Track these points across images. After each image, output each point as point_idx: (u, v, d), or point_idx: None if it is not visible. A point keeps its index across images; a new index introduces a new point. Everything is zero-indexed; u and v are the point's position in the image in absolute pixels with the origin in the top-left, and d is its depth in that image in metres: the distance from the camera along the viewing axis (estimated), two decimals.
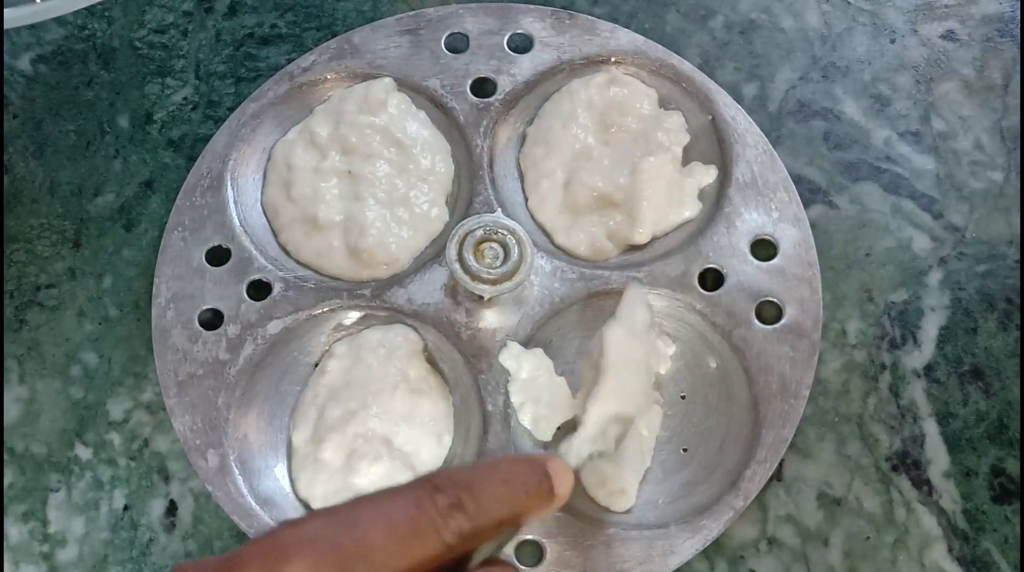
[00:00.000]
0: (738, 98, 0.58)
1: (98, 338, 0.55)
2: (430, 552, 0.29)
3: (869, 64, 0.61)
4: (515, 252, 0.50)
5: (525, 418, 0.51)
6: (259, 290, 0.54)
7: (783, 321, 0.52)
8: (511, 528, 0.33)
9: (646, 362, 0.46)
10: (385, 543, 0.29)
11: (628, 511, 0.49)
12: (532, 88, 0.58)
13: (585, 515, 0.49)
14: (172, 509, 0.51)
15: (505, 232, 0.50)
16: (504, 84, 0.58)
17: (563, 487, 0.35)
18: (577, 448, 0.42)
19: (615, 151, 0.57)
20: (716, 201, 0.55)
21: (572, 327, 0.53)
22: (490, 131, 0.57)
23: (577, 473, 0.39)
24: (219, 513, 0.50)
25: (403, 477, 0.49)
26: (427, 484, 0.31)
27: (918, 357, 0.53)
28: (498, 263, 0.50)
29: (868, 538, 0.50)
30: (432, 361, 0.53)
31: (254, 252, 0.54)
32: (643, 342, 0.46)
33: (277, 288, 0.54)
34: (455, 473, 0.32)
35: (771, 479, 0.50)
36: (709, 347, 0.53)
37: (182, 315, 0.53)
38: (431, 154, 0.56)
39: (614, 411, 0.43)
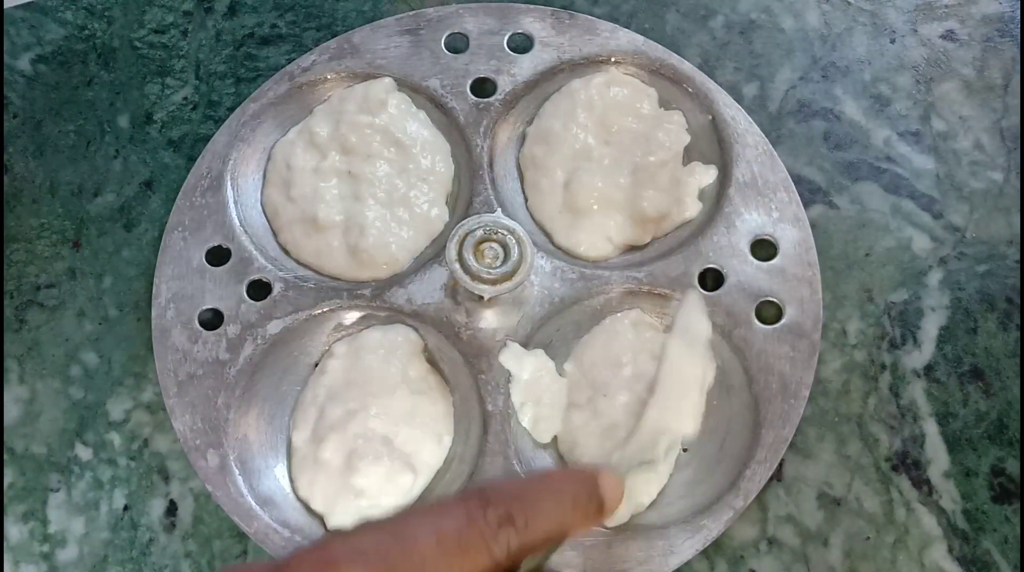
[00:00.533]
0: (738, 98, 0.58)
1: (98, 338, 0.55)
2: (479, 566, 0.29)
3: (869, 64, 0.61)
4: (515, 252, 0.50)
5: (525, 419, 0.51)
6: (259, 290, 0.54)
7: (783, 321, 0.52)
8: (559, 541, 0.33)
9: (702, 378, 0.46)
10: (435, 557, 0.29)
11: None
12: (532, 88, 0.58)
13: None
14: (172, 509, 0.51)
15: (505, 232, 0.50)
16: (504, 84, 0.58)
17: (613, 502, 0.35)
18: (629, 456, 0.41)
19: (615, 151, 0.57)
20: (716, 201, 0.55)
21: (572, 327, 0.53)
22: (490, 131, 0.57)
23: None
24: (219, 513, 0.50)
25: (403, 478, 0.49)
26: (478, 498, 0.31)
27: (918, 357, 0.53)
28: (498, 263, 0.50)
29: (868, 538, 0.50)
30: (432, 361, 0.53)
31: (254, 252, 0.54)
32: (700, 356, 0.46)
33: (277, 288, 0.54)
34: (506, 486, 0.32)
35: (771, 479, 0.50)
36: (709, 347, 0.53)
37: (182, 315, 0.53)
38: (431, 154, 0.56)
39: (666, 421, 0.43)
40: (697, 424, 0.47)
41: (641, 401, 0.50)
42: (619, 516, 0.49)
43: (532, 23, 0.60)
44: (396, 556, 0.28)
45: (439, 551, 0.29)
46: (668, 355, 0.46)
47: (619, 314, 0.53)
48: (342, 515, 0.49)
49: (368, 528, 0.29)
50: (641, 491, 0.49)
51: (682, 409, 0.45)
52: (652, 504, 0.49)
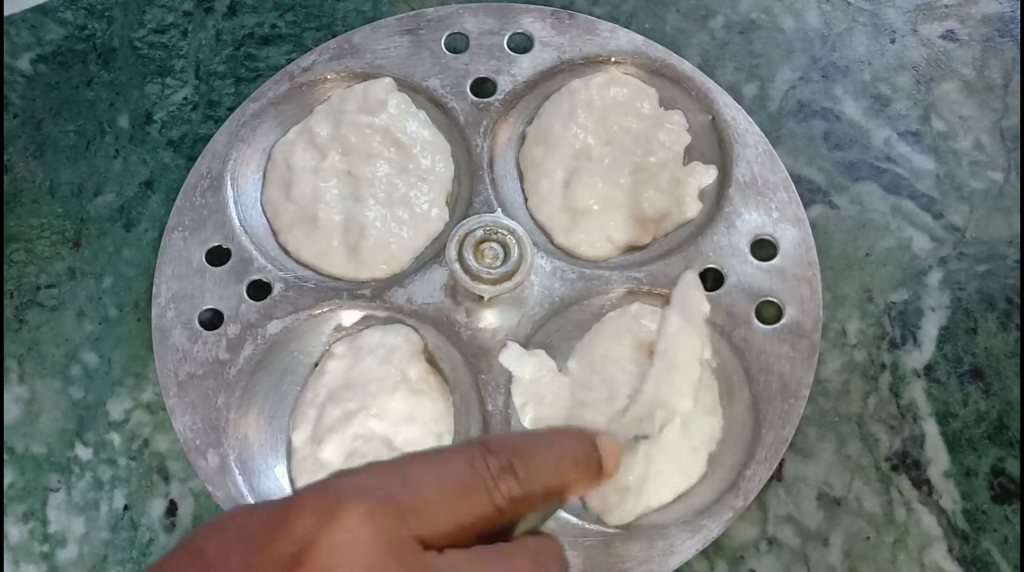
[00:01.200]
0: (738, 98, 0.58)
1: (98, 338, 0.55)
2: (480, 512, 0.30)
3: (869, 64, 0.61)
4: (515, 252, 0.49)
5: (526, 419, 0.51)
6: (259, 290, 0.54)
7: (783, 321, 0.52)
8: (557, 500, 0.33)
9: (699, 354, 0.46)
10: (438, 499, 0.29)
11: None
12: (532, 88, 0.58)
13: (585, 515, 0.49)
14: (172, 509, 0.51)
15: (505, 232, 0.50)
16: (504, 84, 0.58)
17: (611, 463, 0.35)
18: (625, 427, 0.41)
19: (615, 151, 0.57)
20: (716, 201, 0.55)
21: (572, 327, 0.53)
22: (490, 131, 0.57)
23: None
24: (219, 513, 0.50)
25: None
26: (480, 446, 0.31)
27: (918, 357, 0.53)
28: (498, 263, 0.50)
29: (868, 538, 0.50)
30: (432, 361, 0.53)
31: (254, 252, 0.54)
32: (698, 333, 0.46)
33: (277, 288, 0.54)
34: (507, 438, 0.33)
35: (771, 479, 0.50)
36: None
37: (182, 315, 0.53)
38: (431, 154, 0.56)
39: (663, 395, 0.43)
40: (694, 400, 0.47)
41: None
42: (626, 516, 0.49)
43: (532, 23, 0.60)
44: (400, 495, 0.28)
45: (442, 493, 0.29)
46: (666, 330, 0.46)
47: (619, 310, 0.53)
48: None
49: (373, 468, 0.29)
50: (652, 495, 0.49)
51: (679, 384, 0.45)
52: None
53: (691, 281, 0.49)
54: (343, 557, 0.27)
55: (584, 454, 0.34)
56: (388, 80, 0.58)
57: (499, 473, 0.30)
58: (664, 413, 0.44)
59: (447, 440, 0.51)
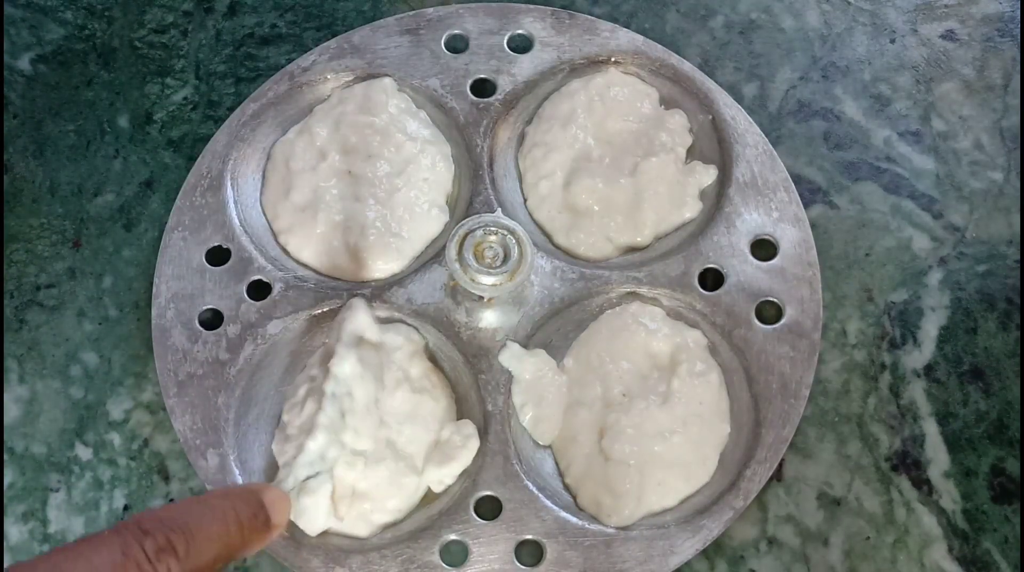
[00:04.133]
0: (738, 98, 0.58)
1: (98, 338, 0.55)
2: None
3: (869, 64, 0.61)
4: (515, 252, 0.50)
5: (525, 419, 0.51)
6: (259, 290, 0.54)
7: (783, 321, 0.52)
8: (226, 562, 0.32)
9: (373, 395, 0.47)
10: None
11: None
12: (532, 88, 0.58)
13: (585, 515, 0.49)
14: None
15: (505, 232, 0.50)
16: (504, 84, 0.58)
17: (280, 516, 0.34)
18: (295, 474, 0.42)
19: (615, 151, 0.57)
20: (716, 201, 0.55)
21: (572, 327, 0.53)
22: (490, 131, 0.57)
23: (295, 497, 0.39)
24: None
25: (407, 480, 0.49)
26: (133, 528, 0.29)
27: (918, 357, 0.53)
28: (498, 263, 0.50)
29: (868, 538, 0.50)
30: (433, 360, 0.53)
31: (254, 252, 0.54)
32: (371, 369, 0.47)
33: (277, 288, 0.54)
34: (163, 513, 0.30)
35: (771, 479, 0.50)
36: (709, 347, 0.52)
37: (182, 315, 0.53)
38: (431, 154, 0.56)
39: (340, 437, 0.44)
40: (372, 439, 0.48)
41: (643, 396, 0.50)
42: (626, 519, 0.49)
43: (532, 23, 0.60)
44: None
45: None
46: (338, 373, 0.46)
47: (618, 308, 0.53)
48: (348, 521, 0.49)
49: (19, 568, 0.27)
50: (655, 501, 0.49)
51: (355, 426, 0.46)
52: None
53: (356, 306, 0.49)
54: None
55: (249, 514, 0.33)
56: (388, 80, 0.58)
57: (156, 555, 0.29)
58: (336, 450, 0.45)
59: (462, 430, 0.51)
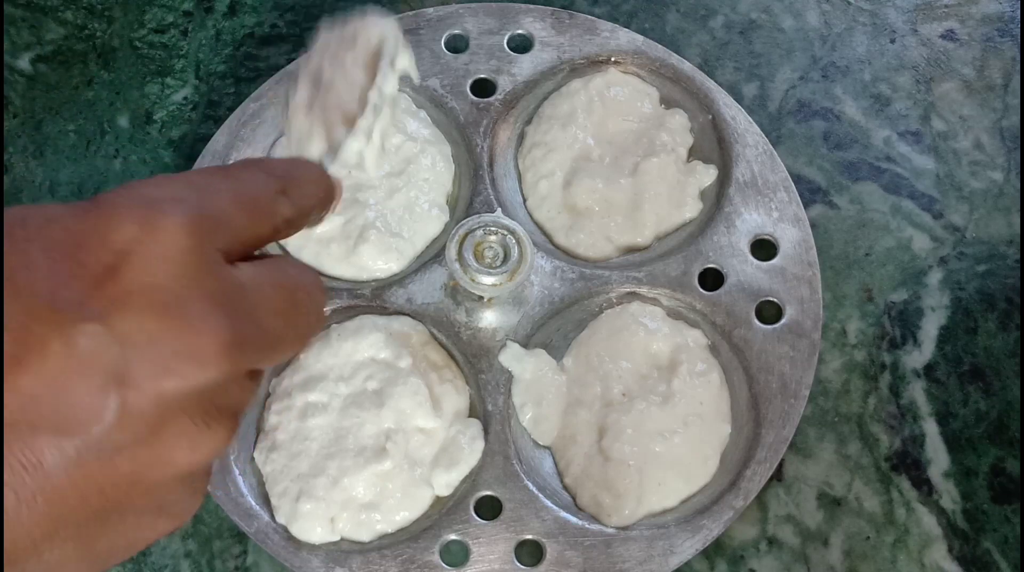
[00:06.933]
0: (738, 98, 0.58)
1: None
2: (263, 231, 0.30)
3: (869, 64, 0.61)
4: (515, 252, 0.50)
5: (525, 418, 0.51)
6: None
7: (783, 321, 0.52)
8: (310, 222, 0.33)
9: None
10: (236, 214, 0.28)
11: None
12: (532, 88, 0.58)
13: (585, 515, 0.49)
14: None
15: (505, 232, 0.50)
16: (504, 84, 0.58)
17: (338, 191, 0.35)
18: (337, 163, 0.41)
19: (615, 151, 0.57)
20: (716, 201, 0.55)
21: (572, 327, 0.53)
22: (490, 131, 0.57)
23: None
24: (219, 513, 0.50)
25: (421, 492, 0.49)
26: (260, 168, 0.31)
27: (918, 357, 0.53)
28: (498, 263, 0.50)
29: (868, 538, 0.50)
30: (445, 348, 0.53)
31: (254, 252, 0.54)
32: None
33: None
34: (274, 163, 0.32)
35: (771, 479, 0.50)
36: (709, 347, 0.52)
37: None
38: (431, 154, 0.56)
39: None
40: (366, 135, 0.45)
41: (643, 396, 0.50)
42: (626, 519, 0.49)
43: (532, 23, 0.60)
44: (210, 209, 0.27)
45: (239, 209, 0.29)
46: (385, 91, 0.44)
47: (618, 308, 0.53)
48: (348, 523, 0.49)
49: (172, 179, 0.28)
50: (655, 501, 0.49)
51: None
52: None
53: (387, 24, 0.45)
54: (161, 269, 0.25)
55: (328, 184, 0.34)
56: None
57: (276, 195, 0.30)
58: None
59: (469, 430, 0.51)
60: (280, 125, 0.48)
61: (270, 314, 0.28)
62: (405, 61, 0.45)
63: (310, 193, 0.32)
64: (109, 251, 0.25)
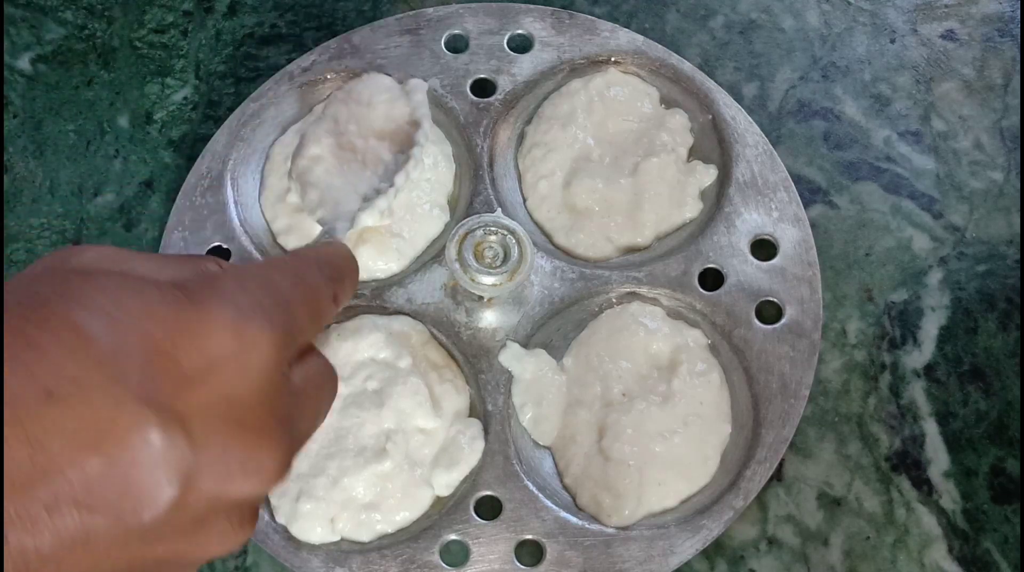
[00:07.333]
0: (738, 98, 0.58)
1: None
2: (319, 331, 0.32)
3: (869, 64, 0.61)
4: (515, 252, 0.50)
5: (526, 418, 0.51)
6: None
7: (783, 321, 0.52)
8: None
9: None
10: (308, 324, 0.30)
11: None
12: (532, 88, 0.58)
13: (585, 515, 0.49)
14: None
15: (505, 232, 0.50)
16: (504, 84, 0.58)
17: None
18: (358, 221, 0.43)
19: (615, 151, 0.57)
20: (716, 201, 0.55)
21: (572, 327, 0.53)
22: (490, 131, 0.57)
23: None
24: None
25: (421, 492, 0.49)
26: (318, 266, 0.33)
27: (918, 357, 0.53)
28: (498, 263, 0.50)
29: (868, 538, 0.50)
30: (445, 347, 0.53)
31: (254, 252, 0.54)
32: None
33: None
34: (325, 258, 0.34)
35: (771, 479, 0.50)
36: (709, 347, 0.52)
37: None
38: (433, 153, 0.56)
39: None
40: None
41: (643, 396, 0.50)
42: (626, 520, 0.49)
43: (532, 23, 0.60)
44: (286, 321, 0.29)
45: (307, 315, 0.30)
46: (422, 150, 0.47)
47: (618, 308, 0.53)
48: (348, 523, 0.49)
49: (249, 276, 0.29)
50: (655, 502, 0.49)
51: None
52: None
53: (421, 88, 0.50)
54: (244, 384, 0.26)
55: (356, 266, 0.36)
56: (389, 79, 0.58)
57: (331, 295, 0.32)
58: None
59: (469, 430, 0.51)
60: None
61: (310, 417, 0.30)
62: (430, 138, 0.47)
63: (351, 286, 0.34)
64: (203, 357, 0.26)
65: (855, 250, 0.56)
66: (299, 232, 0.55)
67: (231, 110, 0.59)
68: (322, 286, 0.32)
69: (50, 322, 0.24)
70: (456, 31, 0.60)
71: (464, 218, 0.51)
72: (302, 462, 0.49)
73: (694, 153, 0.57)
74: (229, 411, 0.26)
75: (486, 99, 0.58)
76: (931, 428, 0.52)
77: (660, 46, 0.59)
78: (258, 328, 0.27)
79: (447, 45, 0.59)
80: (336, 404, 0.50)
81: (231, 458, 0.26)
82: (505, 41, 0.59)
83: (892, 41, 0.62)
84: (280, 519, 0.49)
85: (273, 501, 0.49)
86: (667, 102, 0.58)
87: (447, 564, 0.48)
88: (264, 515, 0.49)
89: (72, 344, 0.24)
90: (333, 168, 0.48)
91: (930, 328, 0.54)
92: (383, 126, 0.49)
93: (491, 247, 0.50)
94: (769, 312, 0.53)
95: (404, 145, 0.48)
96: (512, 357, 0.51)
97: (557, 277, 0.54)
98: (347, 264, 0.35)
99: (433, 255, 0.54)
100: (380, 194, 0.45)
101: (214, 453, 0.25)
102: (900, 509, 0.50)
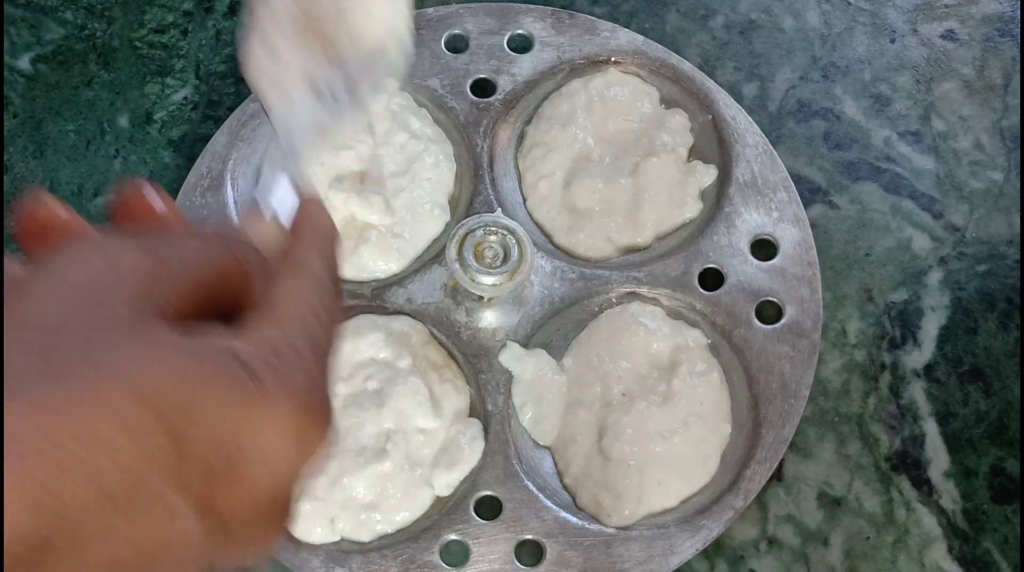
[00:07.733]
0: (738, 98, 0.58)
1: None
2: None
3: (869, 64, 0.61)
4: (515, 252, 0.50)
5: (526, 418, 0.51)
6: None
7: (783, 321, 0.52)
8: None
9: None
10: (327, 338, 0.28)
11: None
12: (532, 88, 0.58)
13: (585, 515, 0.49)
14: None
15: (505, 232, 0.50)
16: (504, 84, 0.58)
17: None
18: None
19: (615, 151, 0.57)
20: (716, 201, 0.55)
21: (572, 327, 0.53)
22: (490, 131, 0.57)
23: None
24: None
25: (421, 492, 0.49)
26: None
27: (918, 357, 0.53)
28: (498, 263, 0.50)
29: (868, 538, 0.50)
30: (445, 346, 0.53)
31: None
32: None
33: None
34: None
35: (771, 479, 0.50)
36: (709, 347, 0.52)
37: None
38: (434, 152, 0.56)
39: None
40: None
41: (643, 396, 0.50)
42: (626, 519, 0.49)
43: (532, 23, 0.60)
44: (326, 397, 0.27)
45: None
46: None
47: (618, 308, 0.53)
48: (348, 523, 0.49)
49: (292, 365, 0.26)
50: (655, 501, 0.49)
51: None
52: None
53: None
54: (281, 483, 0.26)
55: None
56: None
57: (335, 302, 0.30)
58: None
59: (469, 430, 0.51)
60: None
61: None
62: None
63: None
64: (260, 464, 0.25)
65: (855, 250, 0.56)
66: None
67: (231, 110, 0.59)
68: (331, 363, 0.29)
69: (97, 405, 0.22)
70: (456, 31, 0.60)
71: (464, 218, 0.51)
72: None
73: (694, 153, 0.57)
74: (261, 506, 0.26)
75: (486, 99, 0.58)
76: (931, 428, 0.52)
77: (660, 46, 0.59)
78: (317, 435, 0.26)
79: (447, 45, 0.59)
80: (336, 403, 0.50)
81: (251, 542, 0.26)
82: (505, 41, 0.59)
83: (892, 41, 0.62)
84: None
85: None
86: (667, 102, 0.58)
87: (447, 564, 0.48)
88: None
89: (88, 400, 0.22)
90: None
91: (930, 328, 0.54)
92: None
93: (491, 247, 0.50)
94: (769, 312, 0.53)
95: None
96: (512, 357, 0.51)
97: (557, 277, 0.54)
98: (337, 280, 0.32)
99: (433, 255, 0.54)
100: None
101: (237, 540, 0.26)
102: (900, 509, 0.50)
